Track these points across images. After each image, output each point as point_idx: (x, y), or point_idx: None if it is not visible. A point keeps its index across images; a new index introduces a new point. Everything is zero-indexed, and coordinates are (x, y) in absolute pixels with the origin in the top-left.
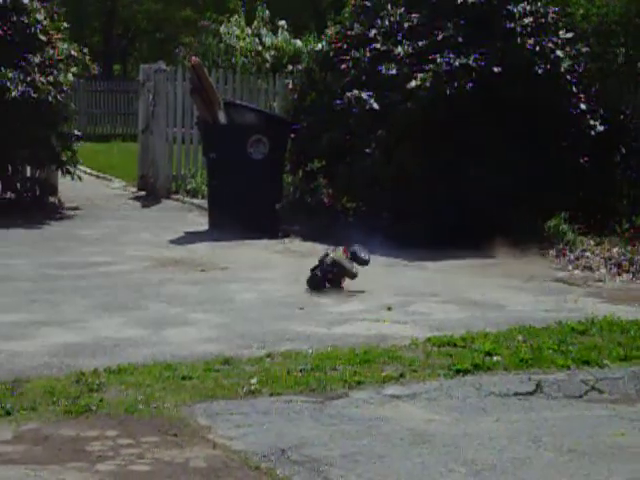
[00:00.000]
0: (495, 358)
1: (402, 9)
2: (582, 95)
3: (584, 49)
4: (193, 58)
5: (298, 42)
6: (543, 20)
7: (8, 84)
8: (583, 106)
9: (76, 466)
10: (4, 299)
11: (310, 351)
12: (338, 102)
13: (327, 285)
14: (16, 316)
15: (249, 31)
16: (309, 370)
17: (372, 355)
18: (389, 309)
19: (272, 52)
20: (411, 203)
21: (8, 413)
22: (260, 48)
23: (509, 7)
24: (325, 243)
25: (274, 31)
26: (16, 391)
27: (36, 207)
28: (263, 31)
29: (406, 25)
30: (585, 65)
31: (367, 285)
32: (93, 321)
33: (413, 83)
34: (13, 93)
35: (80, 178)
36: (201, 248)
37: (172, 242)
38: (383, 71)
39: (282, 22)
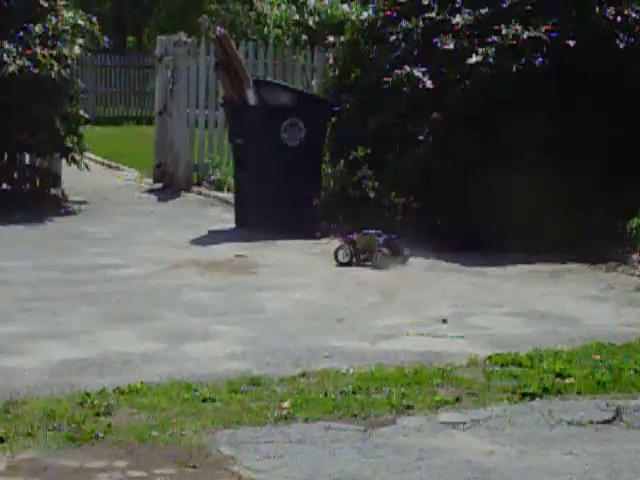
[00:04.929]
0: (567, 380)
1: None
2: None
3: None
4: (219, 29)
5: (345, 7)
6: None
7: (5, 57)
8: None
9: None
10: None
11: (351, 370)
12: (386, 80)
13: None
14: (11, 327)
15: None
16: (350, 392)
17: (423, 375)
18: (444, 322)
19: (316, 18)
20: (469, 199)
21: (1, 440)
22: (297, 17)
23: None
24: None
25: None
26: (11, 414)
27: (36, 200)
28: None
29: None
30: None
31: (417, 293)
32: (101, 333)
33: (473, 58)
34: (10, 68)
35: (87, 167)
36: (226, 249)
37: (193, 242)
38: (438, 44)
39: None
